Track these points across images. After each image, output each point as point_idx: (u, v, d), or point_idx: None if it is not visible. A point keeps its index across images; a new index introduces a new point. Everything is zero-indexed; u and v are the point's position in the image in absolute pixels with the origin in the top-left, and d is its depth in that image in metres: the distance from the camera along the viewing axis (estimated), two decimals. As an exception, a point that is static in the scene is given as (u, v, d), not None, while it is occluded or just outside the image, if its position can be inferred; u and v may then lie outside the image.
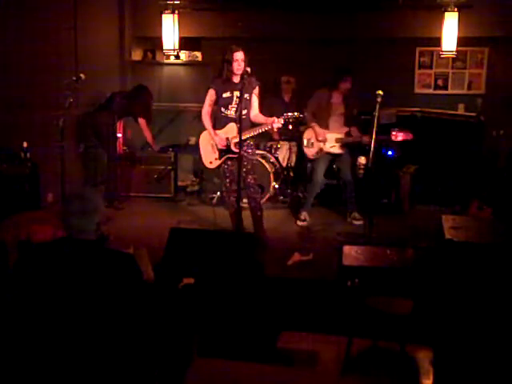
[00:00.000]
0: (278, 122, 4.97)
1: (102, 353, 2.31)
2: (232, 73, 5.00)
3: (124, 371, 2.37)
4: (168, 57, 7.98)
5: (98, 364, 2.30)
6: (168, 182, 7.07)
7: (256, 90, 5.13)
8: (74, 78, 5.64)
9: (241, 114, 4.82)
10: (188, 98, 7.94)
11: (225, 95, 5.07)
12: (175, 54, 7.68)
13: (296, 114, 5.08)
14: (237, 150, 4.92)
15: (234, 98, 5.05)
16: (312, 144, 6.04)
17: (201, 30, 7.93)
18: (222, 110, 5.12)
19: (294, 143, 6.87)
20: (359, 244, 4.57)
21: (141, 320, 2.46)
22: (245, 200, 5.40)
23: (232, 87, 5.04)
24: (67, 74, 6.06)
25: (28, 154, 5.36)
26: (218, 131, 5.17)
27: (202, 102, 5.24)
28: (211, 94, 5.15)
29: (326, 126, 5.99)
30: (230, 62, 4.94)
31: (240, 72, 4.94)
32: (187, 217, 6.25)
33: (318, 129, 5.98)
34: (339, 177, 6.26)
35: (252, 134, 5.09)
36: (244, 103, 4.99)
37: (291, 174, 6.88)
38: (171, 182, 7.08)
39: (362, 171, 6.59)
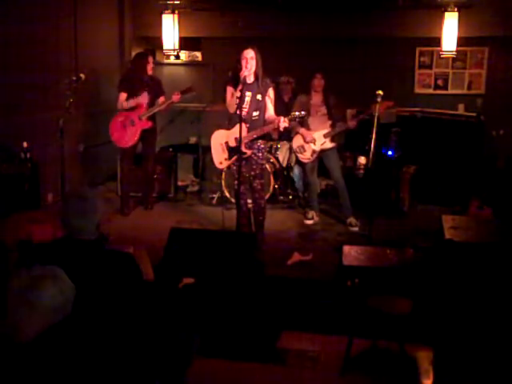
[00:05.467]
0: (284, 122, 4.91)
1: (102, 353, 2.31)
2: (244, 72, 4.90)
3: (123, 371, 2.36)
4: (168, 57, 7.98)
5: (97, 364, 2.30)
6: (168, 181, 7.06)
7: (269, 92, 5.07)
8: (74, 78, 5.63)
9: (250, 115, 4.80)
10: (188, 98, 7.92)
11: (238, 95, 4.97)
12: (175, 54, 7.68)
13: (303, 112, 5.07)
14: (245, 151, 4.93)
15: (246, 99, 5.00)
16: (304, 149, 6.02)
17: (201, 30, 7.93)
18: None
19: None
20: (359, 244, 4.58)
21: (141, 320, 2.46)
22: (249, 200, 5.39)
23: (244, 87, 4.95)
24: (67, 74, 6.06)
25: (28, 154, 5.37)
26: (228, 130, 5.14)
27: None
28: (229, 90, 5.05)
29: (308, 128, 5.98)
30: (239, 60, 4.87)
31: (251, 71, 4.90)
32: (187, 217, 6.25)
33: (304, 132, 5.96)
34: (331, 179, 6.25)
35: (259, 133, 5.04)
36: (256, 104, 4.98)
37: (291, 174, 6.88)
38: (171, 181, 7.08)
39: (362, 171, 6.59)
